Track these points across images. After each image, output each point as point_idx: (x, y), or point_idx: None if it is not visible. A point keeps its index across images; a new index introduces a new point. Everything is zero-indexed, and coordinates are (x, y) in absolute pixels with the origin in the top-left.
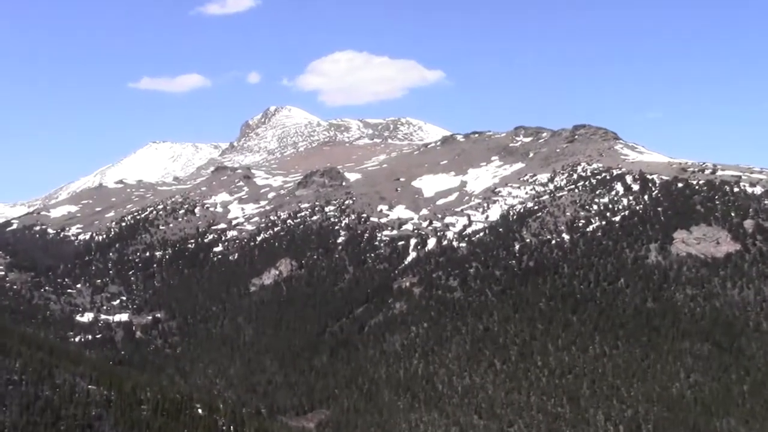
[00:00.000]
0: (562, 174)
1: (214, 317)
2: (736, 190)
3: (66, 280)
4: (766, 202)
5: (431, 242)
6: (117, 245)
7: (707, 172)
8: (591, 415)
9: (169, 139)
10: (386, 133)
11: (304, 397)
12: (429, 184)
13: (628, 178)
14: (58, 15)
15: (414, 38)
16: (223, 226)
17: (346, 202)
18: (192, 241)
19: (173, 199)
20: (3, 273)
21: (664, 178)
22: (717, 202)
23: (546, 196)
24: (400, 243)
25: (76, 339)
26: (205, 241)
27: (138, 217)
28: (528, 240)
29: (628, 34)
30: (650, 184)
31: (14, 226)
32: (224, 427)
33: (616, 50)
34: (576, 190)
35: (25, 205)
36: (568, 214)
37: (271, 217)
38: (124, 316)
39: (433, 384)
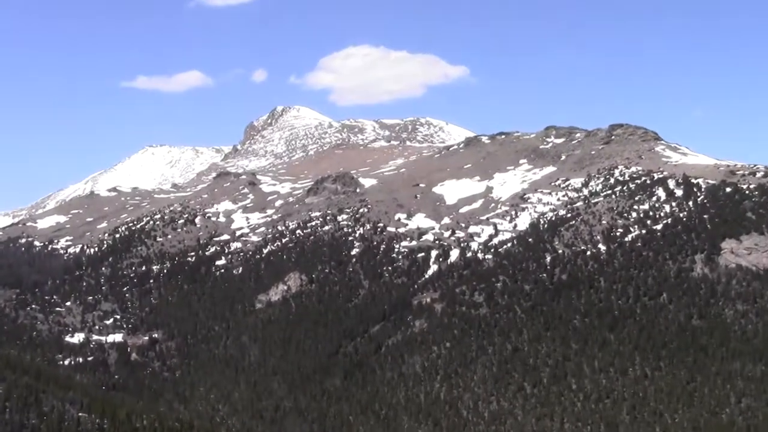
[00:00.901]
0: (598, 178)
1: (216, 337)
2: None
3: (54, 297)
4: None
5: (454, 254)
6: (110, 259)
7: (759, 175)
8: None
9: (167, 143)
10: (404, 134)
11: (315, 424)
12: (451, 190)
13: (671, 183)
14: (43, 6)
15: (435, 31)
16: (226, 237)
17: (361, 210)
18: (192, 253)
19: (171, 208)
20: None
21: (711, 182)
22: None
23: (580, 203)
24: (420, 255)
25: (66, 362)
26: (207, 253)
27: (133, 228)
28: (560, 251)
29: (667, 24)
30: (695, 189)
31: None
32: None
33: (655, 41)
34: (613, 196)
35: (10, 215)
36: (604, 222)
37: (279, 227)
38: (118, 337)
39: (457, 409)
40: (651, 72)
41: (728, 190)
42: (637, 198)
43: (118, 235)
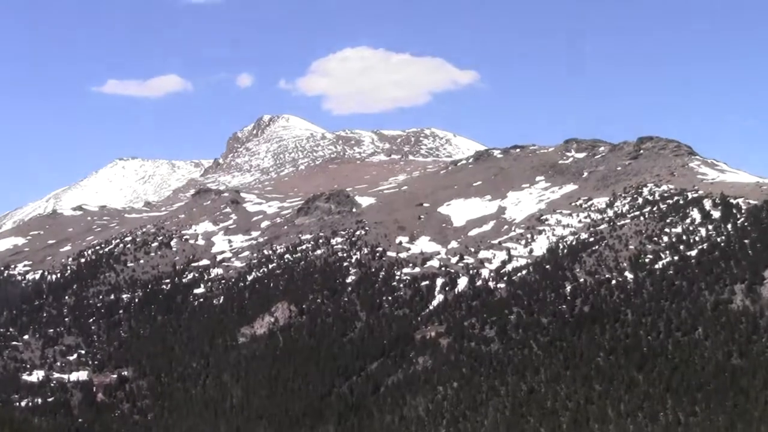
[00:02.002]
0: (624, 197)
1: (194, 375)
2: None
3: (10, 330)
4: None
5: (462, 282)
6: (74, 286)
7: None
8: None
9: (140, 155)
10: (407, 147)
11: None
12: (459, 211)
13: (707, 203)
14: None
15: (442, 32)
16: (205, 262)
17: (357, 232)
18: (167, 280)
19: (144, 230)
20: None
21: (752, 202)
22: None
23: (604, 225)
24: (424, 283)
25: (22, 403)
26: (184, 280)
27: (100, 252)
28: (582, 280)
29: (701, 25)
30: (734, 210)
31: None
32: None
33: (688, 44)
34: (642, 218)
35: None
36: (631, 247)
37: (265, 252)
38: (82, 375)
39: None
40: (684, 79)
41: None
42: (668, 220)
43: (83, 260)
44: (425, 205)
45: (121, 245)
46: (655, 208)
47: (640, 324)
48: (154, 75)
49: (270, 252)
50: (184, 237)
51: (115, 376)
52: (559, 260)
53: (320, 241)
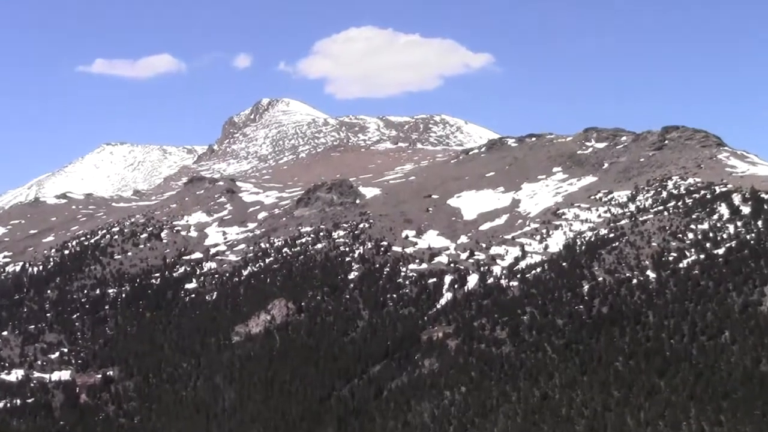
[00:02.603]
0: (647, 191)
1: (184, 376)
2: None
3: None
4: None
5: (472, 280)
6: (57, 280)
7: None
8: None
9: (129, 140)
10: (415, 135)
11: None
12: (470, 203)
13: (736, 198)
14: None
15: (454, 11)
16: (198, 255)
17: (361, 225)
18: (157, 274)
19: (133, 220)
20: None
21: None
22: None
23: (625, 221)
24: (432, 280)
25: (0, 404)
26: (175, 275)
27: (86, 243)
28: (601, 278)
29: (731, 8)
30: (766, 206)
31: None
32: None
33: (717, 27)
34: (665, 213)
35: None
36: (654, 244)
37: (262, 245)
38: (65, 375)
39: None
40: (711, 63)
41: None
42: (694, 216)
43: (67, 252)
44: (434, 196)
45: (108, 236)
46: (680, 203)
47: (663, 327)
48: (146, 54)
49: (267, 245)
50: (176, 228)
51: (99, 376)
52: (576, 257)
53: (321, 234)
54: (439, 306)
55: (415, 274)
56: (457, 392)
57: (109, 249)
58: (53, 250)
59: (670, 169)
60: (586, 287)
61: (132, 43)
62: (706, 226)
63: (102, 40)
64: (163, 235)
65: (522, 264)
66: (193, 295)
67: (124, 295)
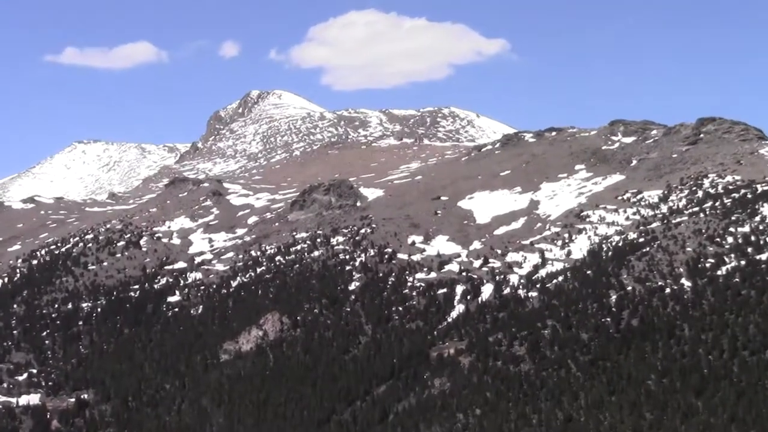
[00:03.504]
0: (681, 190)
1: (167, 399)
2: None
3: None
4: None
5: (487, 290)
6: (24, 293)
7: None
8: None
9: (103, 138)
10: (421, 129)
11: None
12: (484, 205)
13: None
14: None
15: None
16: (181, 265)
17: (362, 230)
18: (136, 286)
19: (108, 226)
20: None
21: None
22: None
23: (656, 224)
24: (442, 291)
25: None
26: (156, 287)
27: (57, 252)
28: (630, 288)
29: None
30: None
31: None
32: None
33: (758, 6)
34: (702, 215)
35: None
36: (689, 249)
37: (253, 253)
38: (34, 398)
39: None
40: (751, 48)
41: None
42: (734, 217)
43: (35, 262)
44: (443, 198)
45: (81, 244)
46: (717, 203)
47: (700, 341)
48: (122, 42)
49: (258, 253)
50: (156, 235)
51: (72, 399)
52: (602, 264)
53: (318, 240)
54: (450, 319)
55: (423, 285)
56: (471, 415)
57: (82, 259)
58: (20, 261)
59: (706, 165)
60: (613, 298)
61: (106, 29)
62: (746, 228)
63: (72, 26)
64: (142, 242)
65: (542, 272)
66: (176, 309)
67: (99, 310)
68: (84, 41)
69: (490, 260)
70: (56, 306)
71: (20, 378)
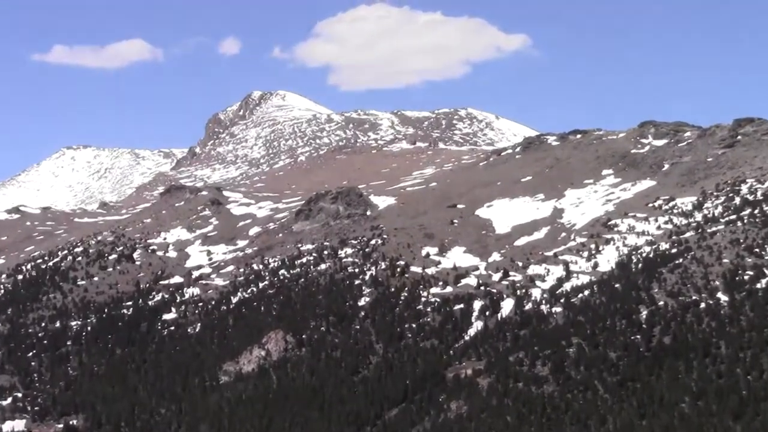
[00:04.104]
0: (717, 197)
1: (163, 424)
2: None
3: None
4: None
5: (507, 305)
6: (9, 310)
7: None
8: None
9: (94, 143)
10: (436, 132)
11: None
12: (503, 214)
13: None
14: None
15: None
16: (178, 280)
17: (373, 241)
18: (129, 303)
19: (99, 238)
20: None
21: None
22: None
23: (690, 233)
24: (458, 307)
25: None
26: (150, 303)
27: (43, 267)
28: (662, 302)
29: None
30: None
31: None
32: None
33: None
34: (739, 223)
35: None
36: (726, 261)
37: (255, 266)
38: (19, 425)
39: None
40: None
41: None
42: None
43: (21, 277)
44: (459, 206)
45: (70, 258)
46: (756, 211)
47: (738, 360)
48: (114, 40)
49: (261, 267)
50: (151, 247)
51: (61, 425)
52: (631, 277)
53: (325, 252)
54: (467, 337)
55: (438, 300)
56: None
57: (71, 273)
58: (4, 276)
59: (744, 170)
60: (644, 313)
61: (98, 25)
62: None
63: (61, 23)
64: (135, 255)
65: (566, 286)
66: (172, 328)
67: (89, 329)
68: (74, 38)
69: (511, 273)
70: (43, 324)
71: (4, 402)
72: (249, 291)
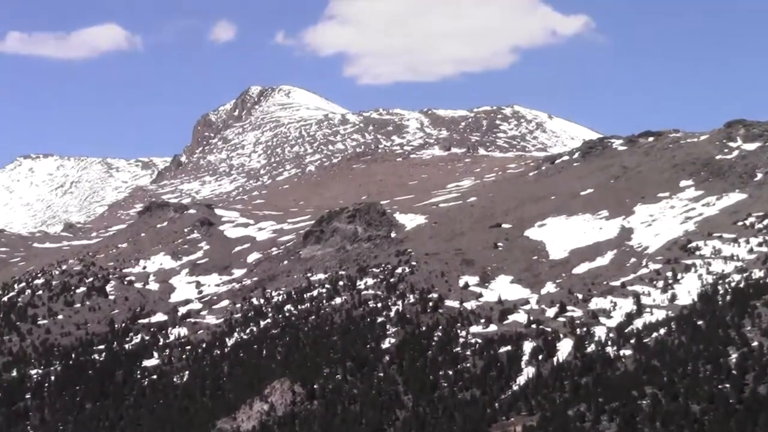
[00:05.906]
0: None
1: None
2: None
3: None
4: None
5: (564, 347)
6: None
7: None
8: None
9: (57, 152)
10: (475, 136)
11: None
12: (559, 235)
13: None
14: None
15: None
16: (161, 317)
17: (399, 270)
18: (101, 347)
19: (65, 267)
20: None
21: None
22: None
23: None
24: (505, 349)
25: None
26: (127, 347)
27: None
28: (755, 343)
29: None
30: None
31: None
32: None
33: None
34: None
35: None
36: None
37: (255, 301)
38: None
39: None
40: None
41: None
42: None
43: None
44: (505, 226)
45: (29, 292)
46: None
47: None
48: (81, 26)
49: (262, 301)
50: (127, 278)
51: None
52: (718, 313)
53: (341, 283)
54: (515, 387)
55: (479, 341)
56: None
57: (30, 311)
58: None
59: None
60: (734, 357)
61: (61, 8)
62: None
63: (17, 5)
64: (108, 288)
65: (637, 323)
66: (154, 377)
67: (53, 378)
68: (32, 24)
69: (568, 308)
70: None
71: None
72: (248, 331)
